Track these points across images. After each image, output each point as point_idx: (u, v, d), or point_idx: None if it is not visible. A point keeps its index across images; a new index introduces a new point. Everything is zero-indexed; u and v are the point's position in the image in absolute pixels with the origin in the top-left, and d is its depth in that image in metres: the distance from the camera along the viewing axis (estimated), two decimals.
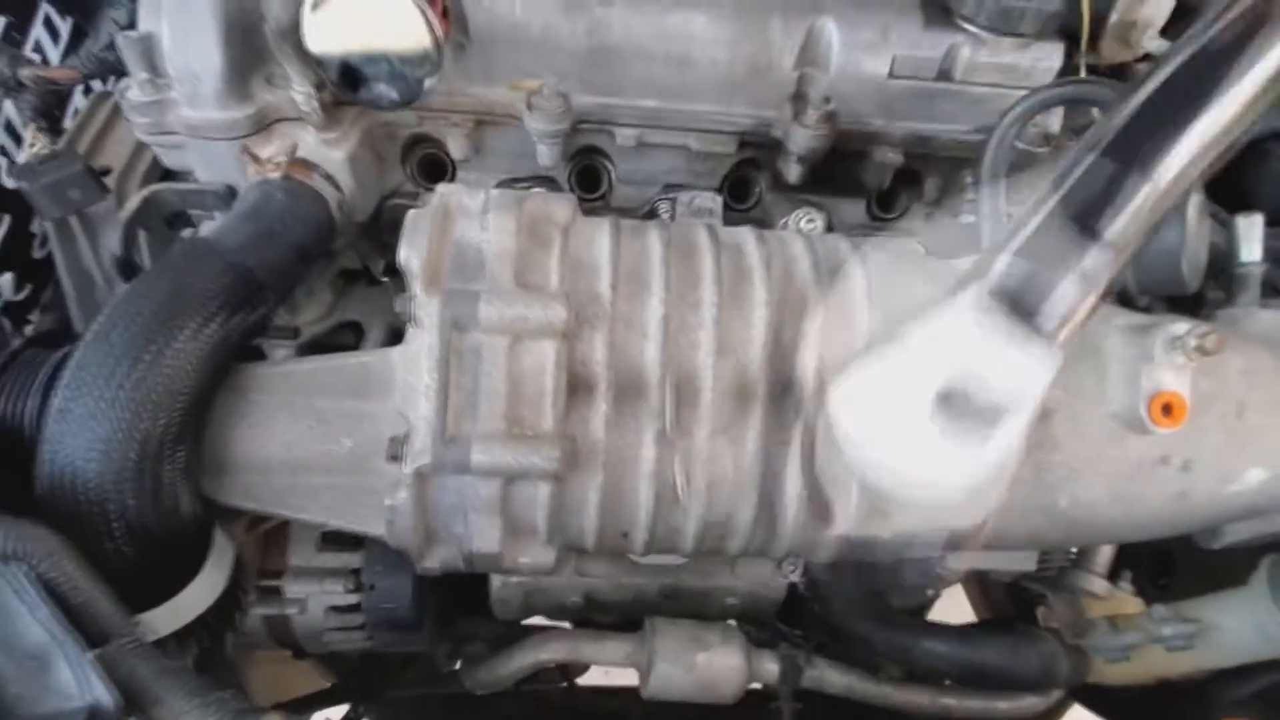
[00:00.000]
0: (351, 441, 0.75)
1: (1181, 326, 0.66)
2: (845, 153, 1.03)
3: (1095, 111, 1.06)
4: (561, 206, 0.77)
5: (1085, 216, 0.53)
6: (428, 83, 0.80)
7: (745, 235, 0.80)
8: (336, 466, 0.75)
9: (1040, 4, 0.94)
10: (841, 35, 0.96)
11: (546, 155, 1.01)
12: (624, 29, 0.94)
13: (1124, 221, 0.52)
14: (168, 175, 1.01)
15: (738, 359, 0.74)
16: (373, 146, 1.01)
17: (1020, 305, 0.54)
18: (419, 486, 0.69)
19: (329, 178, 0.91)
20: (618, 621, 1.18)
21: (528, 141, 1.01)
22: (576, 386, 0.73)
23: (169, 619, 0.75)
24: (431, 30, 0.76)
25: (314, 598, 0.99)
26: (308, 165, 0.90)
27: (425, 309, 0.69)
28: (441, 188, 0.76)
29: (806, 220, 0.98)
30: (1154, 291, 0.81)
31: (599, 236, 0.77)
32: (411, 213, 0.74)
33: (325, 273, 1.15)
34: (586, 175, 1.12)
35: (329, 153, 0.92)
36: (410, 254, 0.70)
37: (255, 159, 0.85)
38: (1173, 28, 1.07)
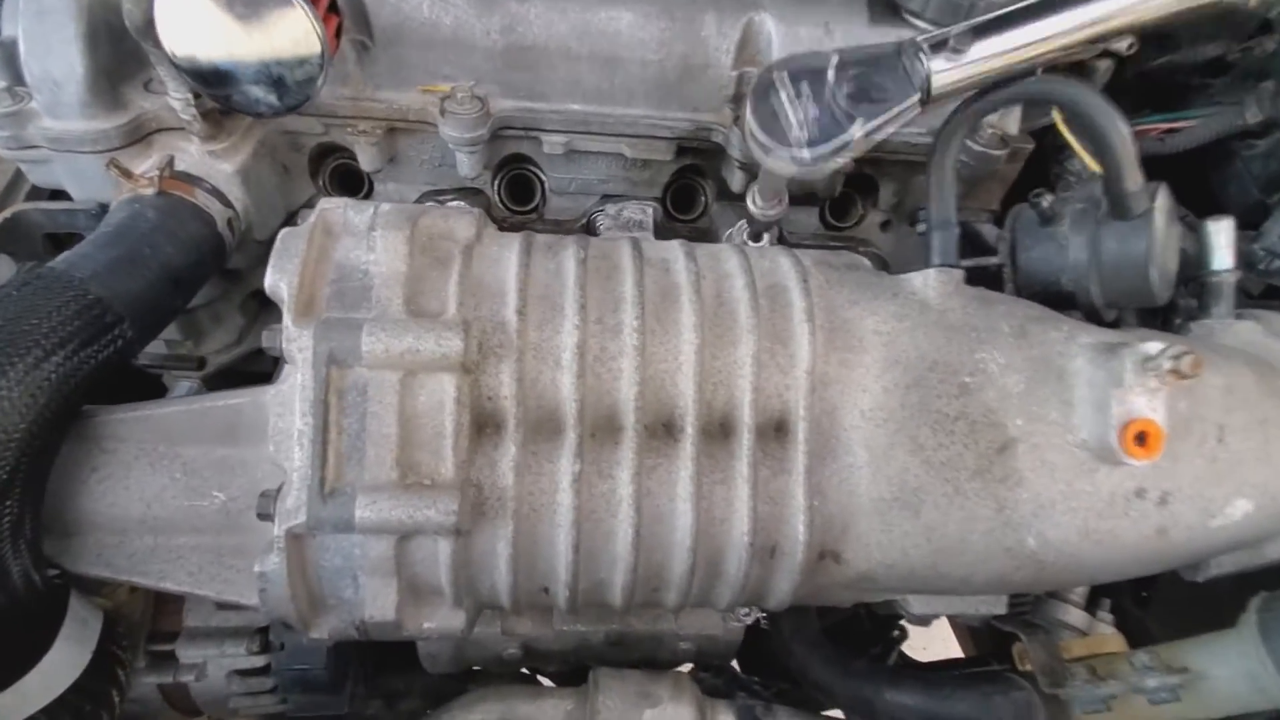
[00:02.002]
0: (224, 495, 0.65)
1: (1154, 346, 0.59)
2: None
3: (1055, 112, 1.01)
4: (463, 222, 0.69)
5: None
6: (316, 87, 0.71)
7: (673, 251, 0.72)
8: (206, 525, 0.65)
9: None
10: (781, 31, 0.89)
11: (467, 165, 0.93)
12: (544, 27, 0.86)
13: None
14: (59, 194, 0.91)
15: (664, 390, 0.66)
16: (273, 157, 0.92)
17: None
18: (294, 549, 0.60)
19: (216, 192, 0.82)
20: (561, 670, 1.08)
21: (448, 150, 0.93)
22: (483, 425, 0.64)
23: (15, 706, 0.65)
24: (313, 27, 0.67)
25: (214, 661, 0.89)
26: (189, 180, 0.80)
27: (297, 342, 0.60)
28: (323, 202, 0.67)
29: (750, 232, 0.90)
30: (1121, 304, 0.74)
31: (506, 255, 0.68)
32: (284, 232, 0.65)
33: (233, 295, 1.05)
34: (518, 186, 1.04)
35: (216, 165, 0.83)
36: (278, 279, 0.61)
37: (125, 174, 0.76)
38: (1141, 36, 1.01)
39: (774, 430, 0.67)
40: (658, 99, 0.92)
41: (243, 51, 0.67)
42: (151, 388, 1.04)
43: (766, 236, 0.94)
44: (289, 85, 0.70)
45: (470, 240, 0.68)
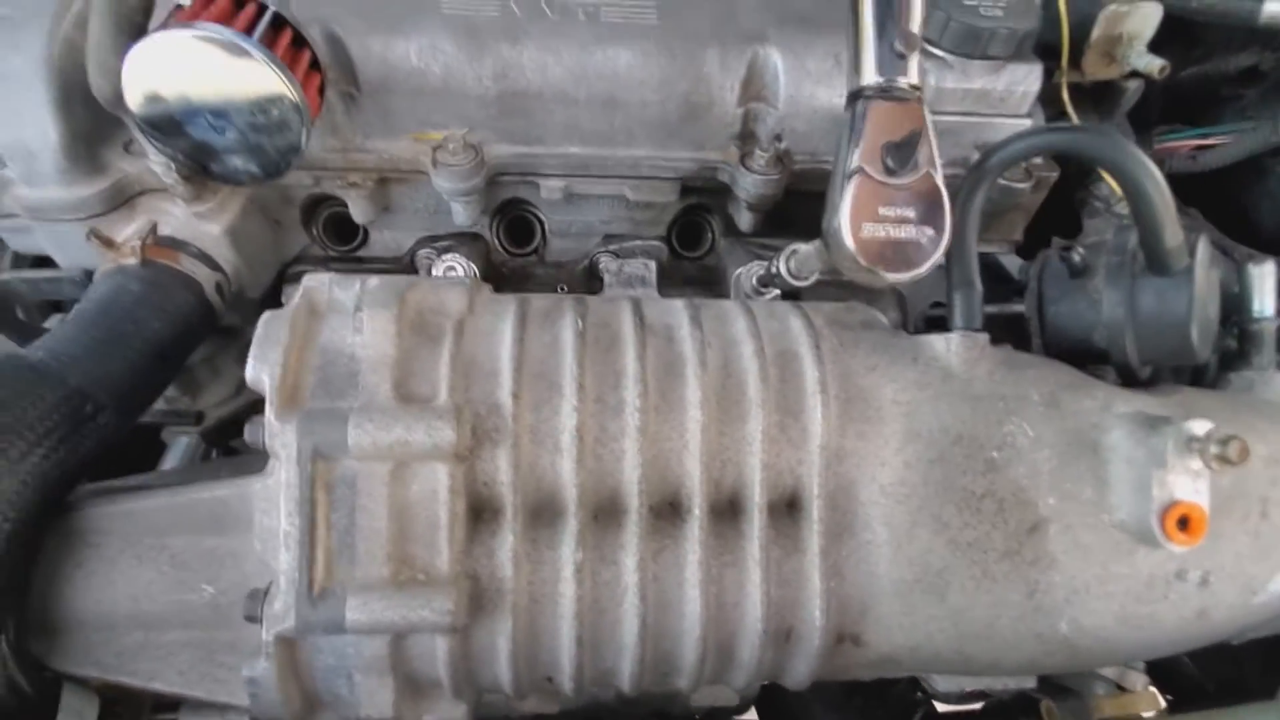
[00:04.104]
0: (213, 589, 0.62)
1: (1199, 426, 0.54)
2: (804, 193, 0.92)
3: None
4: (455, 294, 0.65)
5: None
6: (299, 154, 0.67)
7: (678, 315, 0.68)
8: (196, 619, 0.62)
9: (1013, 22, 0.82)
10: (788, 65, 0.85)
11: (463, 214, 0.89)
12: (538, 71, 0.82)
13: None
14: (44, 258, 0.88)
15: (669, 470, 0.62)
16: (263, 213, 0.89)
17: None
18: (284, 652, 0.57)
19: (202, 256, 0.79)
20: None
21: (443, 197, 0.89)
22: (480, 510, 0.61)
23: None
24: (290, 93, 0.63)
25: None
26: (174, 245, 0.77)
27: (280, 438, 0.57)
28: (308, 279, 0.64)
29: (760, 284, 0.85)
30: (1159, 363, 0.69)
31: (500, 328, 0.64)
32: (266, 316, 0.62)
33: (230, 349, 1.03)
34: (518, 226, 1.00)
35: (202, 227, 0.80)
36: (260, 370, 0.58)
37: (107, 244, 0.73)
38: (1168, 43, 0.96)
39: (786, 507, 0.64)
40: (660, 139, 0.88)
41: (219, 124, 0.63)
42: (151, 443, 1.03)
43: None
44: (270, 154, 0.66)
45: (462, 313, 0.65)
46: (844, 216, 0.60)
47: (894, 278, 0.60)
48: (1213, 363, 0.78)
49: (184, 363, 0.76)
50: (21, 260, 0.85)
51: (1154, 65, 0.86)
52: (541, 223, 0.98)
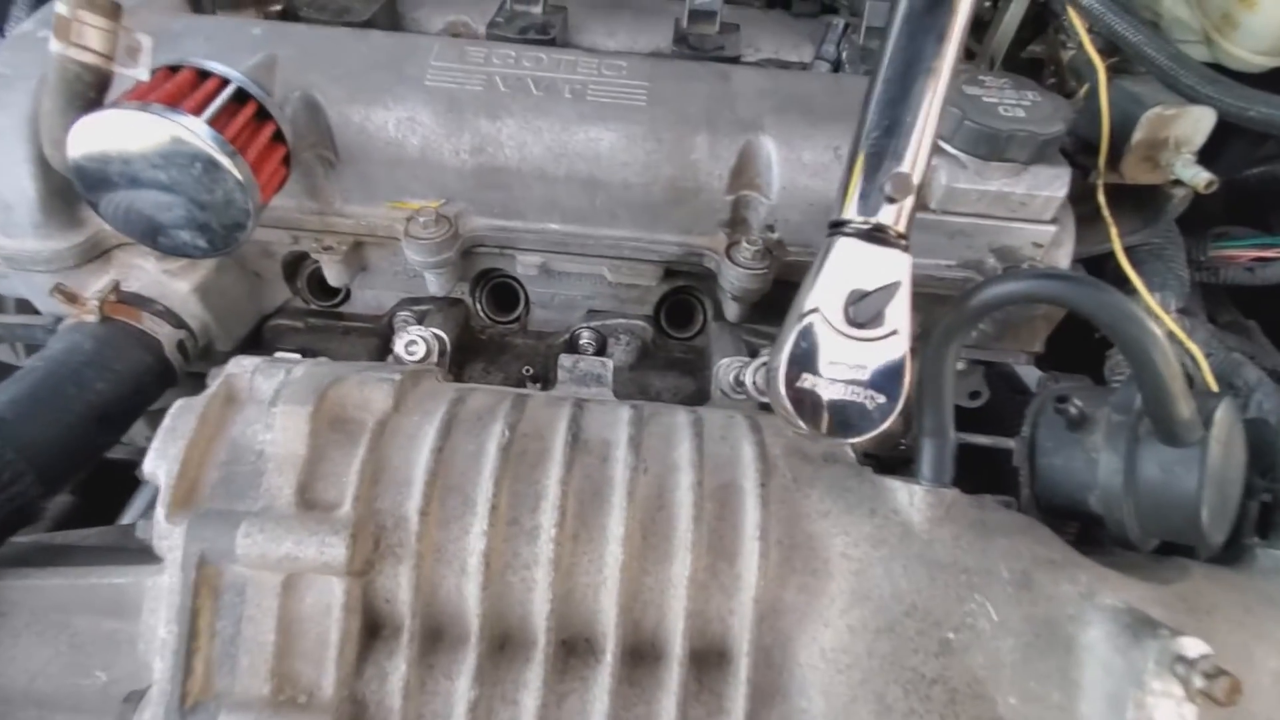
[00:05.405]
0: (106, 676, 0.60)
1: (1190, 647, 0.45)
2: (797, 285, 0.85)
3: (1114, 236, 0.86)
4: (380, 392, 0.62)
5: None
6: (246, 231, 0.66)
7: (618, 429, 0.63)
8: (87, 705, 0.60)
9: (1036, 126, 0.74)
10: (782, 156, 0.79)
11: (435, 284, 0.87)
12: (516, 148, 0.79)
13: None
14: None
15: (584, 605, 0.57)
16: (242, 267, 0.88)
17: None
18: None
19: (167, 314, 0.79)
20: None
21: None
22: (378, 627, 0.57)
23: None
24: (235, 174, 0.62)
25: None
26: (138, 302, 0.77)
27: (167, 540, 0.54)
28: (232, 365, 0.62)
29: (736, 382, 0.79)
30: (1163, 539, 0.60)
31: (423, 432, 0.61)
32: (179, 404, 0.60)
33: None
34: (501, 292, 0.97)
35: (171, 284, 0.80)
36: (157, 465, 0.56)
37: (70, 299, 0.73)
38: (1232, 137, 0.86)
39: (714, 658, 0.57)
40: (644, 221, 0.84)
41: (166, 200, 0.62)
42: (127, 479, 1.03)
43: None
44: (216, 230, 0.65)
45: (386, 413, 0.61)
46: (783, 359, 0.54)
47: (828, 441, 0.53)
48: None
49: (128, 427, 0.75)
50: (25, 305, 0.86)
51: (1200, 179, 0.77)
52: (525, 291, 0.95)
